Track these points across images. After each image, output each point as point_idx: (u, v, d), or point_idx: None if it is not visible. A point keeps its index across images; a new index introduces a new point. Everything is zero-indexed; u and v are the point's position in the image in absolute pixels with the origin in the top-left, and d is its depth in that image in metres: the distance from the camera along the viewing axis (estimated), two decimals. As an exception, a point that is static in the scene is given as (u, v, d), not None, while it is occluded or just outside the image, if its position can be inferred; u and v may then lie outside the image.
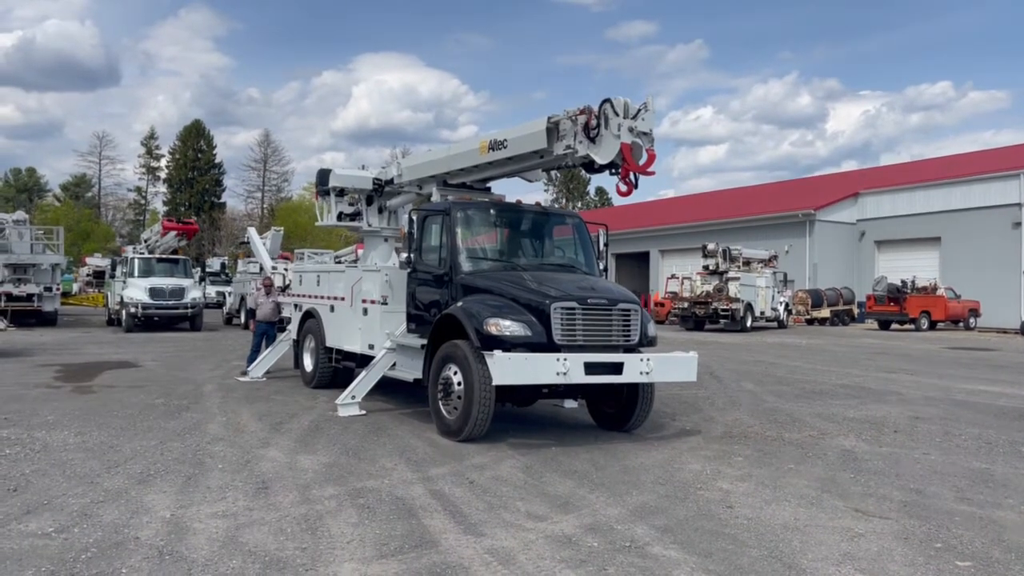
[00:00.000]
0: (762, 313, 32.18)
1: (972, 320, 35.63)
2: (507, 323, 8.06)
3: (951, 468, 7.67)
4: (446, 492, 6.28)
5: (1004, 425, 10.14)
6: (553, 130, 8.69)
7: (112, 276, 27.90)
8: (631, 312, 8.62)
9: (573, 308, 8.21)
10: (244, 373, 13.25)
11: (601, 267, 10.04)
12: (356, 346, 10.90)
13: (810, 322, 37.88)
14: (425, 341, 9.13)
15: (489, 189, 10.84)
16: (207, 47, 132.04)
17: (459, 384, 8.31)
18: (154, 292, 25.28)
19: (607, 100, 8.23)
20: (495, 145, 9.52)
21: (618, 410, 9.31)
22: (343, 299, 11.45)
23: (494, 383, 7.86)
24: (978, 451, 8.51)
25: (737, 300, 30.22)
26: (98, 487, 6.15)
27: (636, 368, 8.37)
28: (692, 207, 56.07)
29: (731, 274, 31.28)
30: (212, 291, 35.88)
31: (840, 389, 13.42)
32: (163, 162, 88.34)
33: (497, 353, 7.74)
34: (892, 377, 15.44)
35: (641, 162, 8.24)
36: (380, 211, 12.96)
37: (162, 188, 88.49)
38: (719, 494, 6.54)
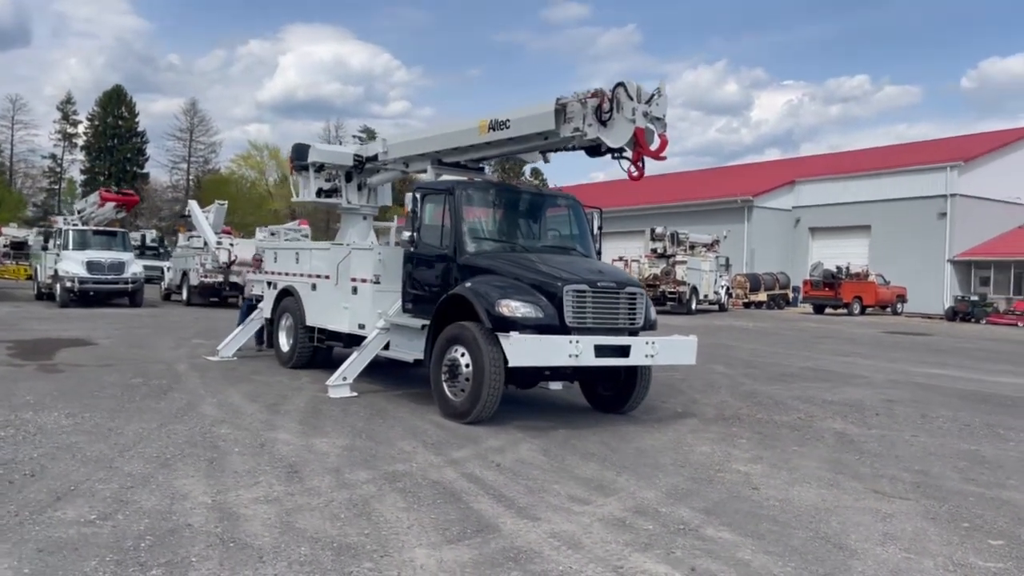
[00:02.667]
0: (705, 296, 32.91)
1: (899, 305, 37.19)
2: (519, 304, 8.03)
3: (943, 450, 8.02)
4: (479, 475, 6.25)
5: (972, 407, 10.65)
6: (560, 112, 8.65)
7: (45, 248, 26.63)
8: (637, 296, 8.70)
9: (584, 291, 8.24)
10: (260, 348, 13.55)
11: (596, 249, 10.09)
12: (343, 325, 10.70)
13: (747, 305, 38.92)
14: (426, 321, 9.04)
15: (483, 169, 10.76)
16: (124, 9, 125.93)
17: (467, 366, 8.25)
18: (92, 266, 24.22)
19: (620, 84, 8.23)
20: (496, 125, 9.42)
21: (614, 392, 9.41)
22: (327, 277, 11.21)
23: (510, 364, 7.85)
24: (960, 433, 8.92)
25: (684, 283, 30.83)
26: (119, 471, 5.91)
27: (642, 351, 8.47)
28: (633, 190, 56.67)
29: (678, 258, 31.85)
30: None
31: (807, 372, 13.85)
32: (81, 128, 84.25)
33: (514, 334, 7.72)
34: (849, 361, 16.02)
35: (653, 147, 8.29)
36: (359, 188, 12.74)
37: (80, 156, 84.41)
38: (739, 476, 6.68)
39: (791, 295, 40.39)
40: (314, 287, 11.50)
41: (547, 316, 8.07)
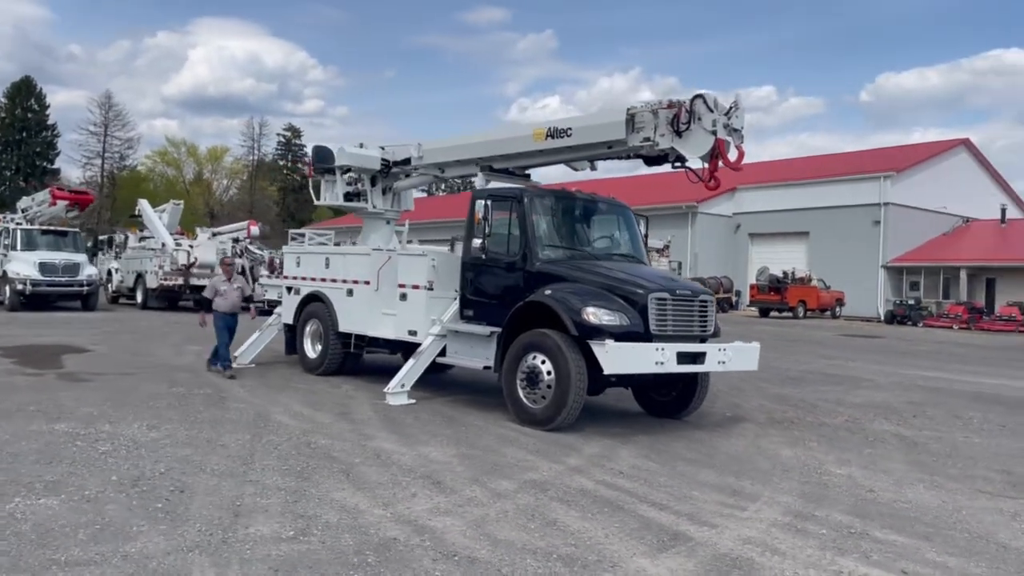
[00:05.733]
0: (661, 300, 33.50)
1: (838, 309, 38.73)
2: (606, 312, 8.11)
3: (1003, 449, 8.49)
4: (615, 483, 6.32)
5: (990, 408, 11.26)
6: (630, 121, 8.79)
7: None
8: (708, 303, 8.90)
9: (665, 299, 8.38)
10: (228, 368, 11.44)
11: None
12: (388, 332, 10.55)
13: (695, 309, 39.77)
14: (495, 328, 9.01)
15: (528, 176, 10.80)
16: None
17: (548, 373, 8.28)
18: (45, 267, 23.03)
19: (699, 95, 8.41)
20: (556, 133, 9.51)
21: (671, 398, 9.58)
22: (366, 283, 11.03)
23: (606, 372, 7.93)
24: (1003, 433, 9.44)
25: (643, 287, 31.34)
26: (264, 485, 5.74)
27: (715, 357, 8.67)
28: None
29: (637, 262, 32.35)
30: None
31: (809, 375, 14.35)
32: (-15, 121, 79.30)
33: (610, 342, 7.79)
34: (837, 363, 16.67)
35: (732, 158, 8.50)
36: (384, 192, 12.60)
37: (-17, 150, 79.51)
38: (845, 479, 6.93)
39: (735, 299, 41.56)
40: (350, 293, 11.29)
41: (633, 324, 8.17)
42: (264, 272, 30.32)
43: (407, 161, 11.82)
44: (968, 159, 46.55)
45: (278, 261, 32.07)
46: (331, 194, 12.58)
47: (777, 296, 36.76)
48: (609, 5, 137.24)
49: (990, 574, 4.69)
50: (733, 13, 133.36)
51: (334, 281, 11.63)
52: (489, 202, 9.15)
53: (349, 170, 12.24)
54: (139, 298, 26.75)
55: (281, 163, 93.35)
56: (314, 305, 11.90)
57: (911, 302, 37.00)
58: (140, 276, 26.78)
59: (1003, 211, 44.32)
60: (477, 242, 9.05)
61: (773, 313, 37.15)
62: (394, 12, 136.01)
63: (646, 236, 10.47)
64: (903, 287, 40.86)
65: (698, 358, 8.54)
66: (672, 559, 4.63)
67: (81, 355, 13.01)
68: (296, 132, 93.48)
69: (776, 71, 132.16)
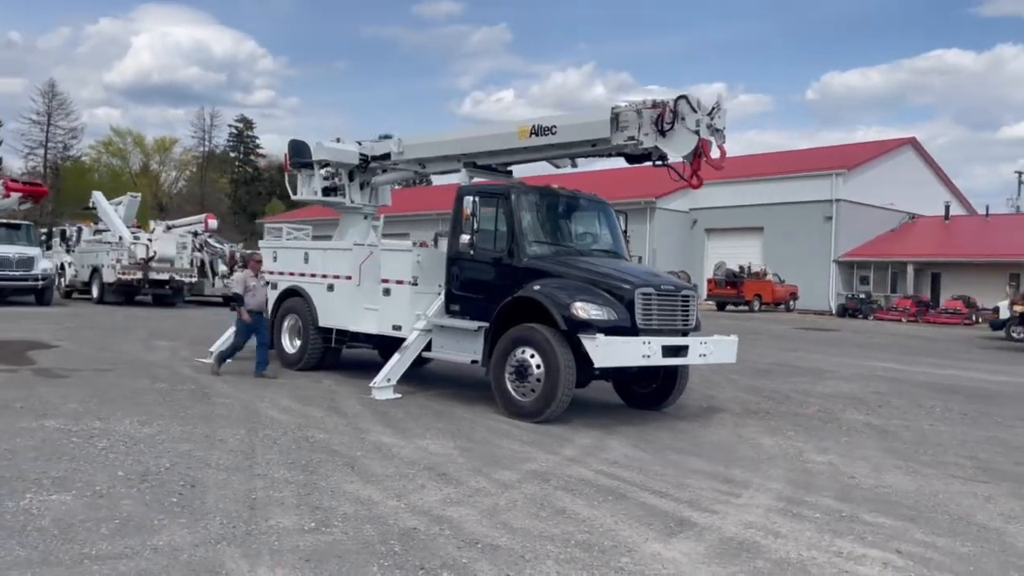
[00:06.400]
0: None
1: (792, 302, 39.62)
2: (594, 307, 8.31)
3: (968, 437, 8.92)
4: (614, 472, 6.53)
5: (948, 398, 11.75)
6: (614, 120, 8.99)
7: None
8: (691, 298, 9.17)
9: (651, 294, 8.62)
10: (219, 365, 11.02)
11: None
12: (371, 327, 10.61)
13: (653, 303, 40.36)
14: (483, 323, 9.14)
15: (511, 173, 10.94)
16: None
17: (538, 367, 8.45)
18: (-1, 261, 22.49)
19: (683, 96, 8.64)
20: (540, 131, 9.66)
21: (650, 390, 9.83)
22: (348, 278, 11.06)
23: (596, 365, 8.13)
24: (964, 422, 9.88)
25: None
26: (273, 479, 5.80)
27: (697, 350, 8.94)
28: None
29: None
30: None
31: (777, 367, 14.77)
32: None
33: (600, 336, 7.99)
34: (801, 355, 17.17)
35: (714, 157, 8.75)
36: (361, 187, 12.63)
37: (-79, 139, 76.72)
38: (827, 467, 7.24)
39: (692, 293, 42.17)
40: (331, 288, 11.30)
41: (620, 318, 8.38)
42: (222, 266, 29.99)
43: (386, 156, 11.86)
44: (914, 157, 47.92)
45: (239, 255, 31.74)
46: (308, 189, 12.56)
47: (734, 290, 37.50)
48: (563, 0, 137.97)
49: (977, 552, 4.99)
50: (685, 10, 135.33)
51: (314, 276, 11.63)
52: (477, 198, 9.26)
53: (327, 164, 12.24)
54: (95, 293, 26.20)
55: (233, 155, 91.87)
56: (292, 300, 11.89)
57: (862, 296, 38.05)
58: (96, 270, 26.22)
59: (947, 208, 45.77)
60: (465, 238, 9.15)
61: (730, 307, 37.86)
62: (346, 3, 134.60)
63: (626, 232, 10.68)
64: (853, 281, 41.95)
65: (681, 351, 8.80)
66: (683, 543, 4.84)
67: (49, 351, 12.78)
68: (249, 123, 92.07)
69: (727, 68, 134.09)
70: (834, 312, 38.55)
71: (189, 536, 4.53)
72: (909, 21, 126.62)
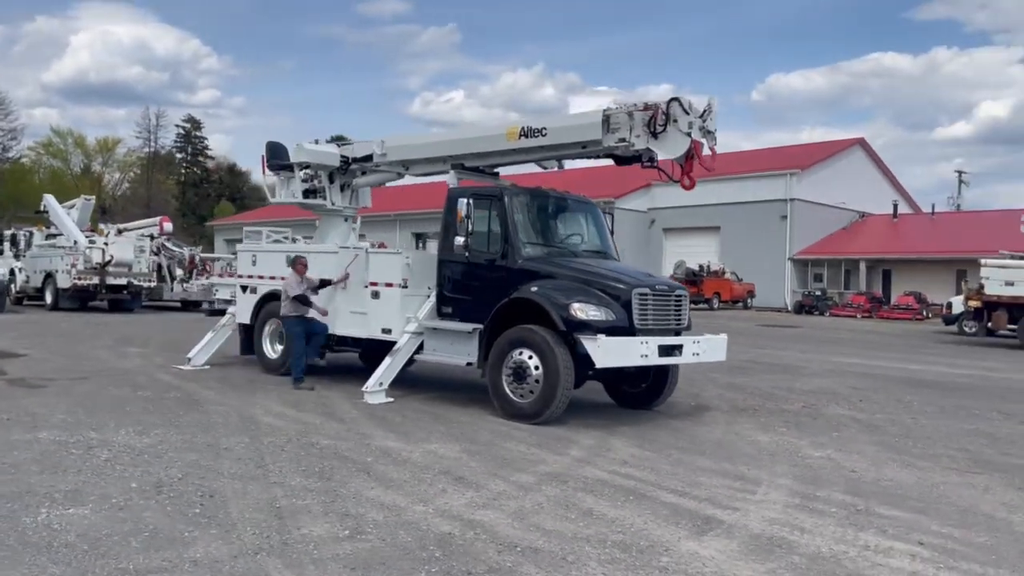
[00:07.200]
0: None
1: (749, 300, 40.34)
2: (592, 308, 8.35)
3: (951, 429, 9.19)
4: (627, 473, 6.58)
5: (922, 392, 12.10)
6: (605, 122, 9.06)
7: None
8: (683, 298, 9.27)
9: (647, 294, 8.70)
10: (300, 381, 10.41)
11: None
12: (359, 330, 10.51)
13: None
14: (477, 325, 9.12)
15: (497, 175, 10.93)
16: None
17: (536, 368, 8.46)
18: (-51, 268, 21.77)
19: (675, 99, 8.75)
20: (530, 132, 9.69)
21: (642, 390, 9.91)
22: (333, 281, 10.92)
23: (597, 365, 8.17)
24: (942, 415, 10.18)
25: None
26: (292, 487, 5.70)
27: (691, 349, 9.05)
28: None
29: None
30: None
31: (750, 364, 15.01)
32: None
33: (602, 337, 8.04)
34: (771, 352, 17.48)
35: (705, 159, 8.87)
36: (342, 189, 12.49)
37: None
38: (827, 462, 7.38)
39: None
40: (314, 291, 11.14)
41: (619, 319, 8.44)
42: (179, 271, 29.37)
43: (368, 158, 11.75)
44: (863, 157, 49.19)
45: (198, 259, 31.14)
46: (287, 192, 12.40)
47: (694, 288, 37.88)
48: (511, 0, 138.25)
49: (994, 543, 5.14)
50: (633, 11, 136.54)
51: (297, 280, 11.44)
52: (471, 200, 9.23)
53: (307, 167, 12.08)
54: (48, 299, 25.48)
55: (180, 156, 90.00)
56: (274, 304, 11.67)
57: (818, 293, 38.90)
58: (50, 276, 25.48)
59: (895, 207, 47.12)
60: (460, 240, 9.11)
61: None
62: (292, 1, 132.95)
63: (612, 232, 10.76)
64: (808, 279, 42.89)
65: (676, 350, 8.89)
66: (716, 541, 4.90)
67: (17, 360, 12.40)
68: (197, 124, 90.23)
69: (674, 70, 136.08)
70: (791, 309, 39.33)
71: (225, 547, 4.44)
72: (849, 24, 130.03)
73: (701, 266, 38.71)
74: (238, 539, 4.59)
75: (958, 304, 25.32)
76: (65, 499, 5.25)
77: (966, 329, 25.11)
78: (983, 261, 22.69)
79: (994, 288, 21.88)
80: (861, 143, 49.77)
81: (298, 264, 10.56)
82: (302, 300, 10.44)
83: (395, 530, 4.84)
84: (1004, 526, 5.54)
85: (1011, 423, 9.75)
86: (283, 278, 11.63)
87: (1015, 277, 21.60)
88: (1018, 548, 5.05)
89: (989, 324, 22.17)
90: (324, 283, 10.70)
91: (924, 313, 34.34)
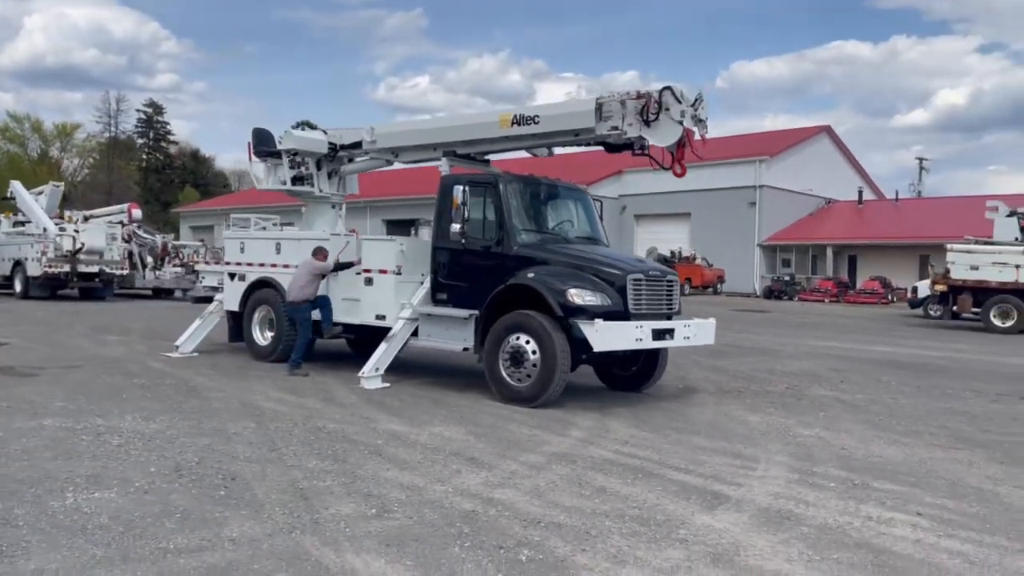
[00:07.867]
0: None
1: (719, 285, 40.91)
2: (588, 293, 8.54)
3: (930, 408, 9.55)
4: (631, 452, 6.79)
5: (896, 372, 12.50)
6: (598, 110, 9.21)
7: None
8: (674, 283, 9.50)
9: (641, 279, 8.90)
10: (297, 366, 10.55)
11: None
12: (351, 317, 10.60)
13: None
14: (472, 311, 9.26)
15: (488, 162, 11.04)
16: None
17: (534, 352, 8.63)
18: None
19: (667, 87, 8.92)
20: (523, 120, 9.80)
21: (632, 373, 10.14)
22: (325, 268, 10.97)
23: (596, 349, 8.35)
24: (919, 394, 10.55)
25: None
26: (310, 470, 5.82)
27: (682, 333, 9.29)
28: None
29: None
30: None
31: (732, 349, 15.34)
32: None
33: (599, 321, 8.22)
34: (748, 336, 17.85)
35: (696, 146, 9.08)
36: (329, 176, 12.52)
37: None
38: (818, 440, 7.67)
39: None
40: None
41: (614, 304, 8.64)
42: (150, 259, 29.06)
43: (357, 145, 11.80)
44: (829, 144, 50.00)
45: (170, 246, 30.82)
46: (274, 178, 12.40)
47: (665, 275, 38.42)
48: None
49: (985, 512, 5.44)
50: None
51: (287, 267, 11.47)
52: (467, 187, 9.34)
53: (295, 154, 12.09)
54: (18, 287, 25.10)
55: (141, 141, 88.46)
56: (264, 291, 11.73)
57: (786, 278, 39.59)
58: (19, 263, 25.10)
59: (860, 193, 48.02)
60: (456, 227, 9.21)
61: (660, 291, 38.80)
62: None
63: (602, 218, 10.94)
64: (776, 264, 43.60)
65: (668, 334, 9.12)
66: (727, 515, 5.12)
67: (0, 349, 12.27)
68: (159, 108, 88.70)
69: (639, 57, 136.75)
70: (760, 294, 39.98)
71: (259, 527, 4.55)
72: (811, 12, 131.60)
73: (673, 252, 39.15)
74: (269, 519, 4.70)
75: (923, 288, 25.96)
76: (88, 483, 5.31)
77: (931, 312, 25.82)
78: (949, 246, 23.29)
79: (960, 272, 22.50)
80: (827, 131, 50.54)
81: (319, 254, 10.53)
82: (342, 266, 10.60)
83: (420, 508, 4.99)
84: (992, 497, 5.84)
85: (984, 401, 10.15)
86: (272, 265, 11.74)
87: (980, 262, 22.24)
88: (1008, 517, 5.34)
89: (954, 307, 22.81)
90: (341, 266, 10.66)
91: (889, 297, 35.14)
